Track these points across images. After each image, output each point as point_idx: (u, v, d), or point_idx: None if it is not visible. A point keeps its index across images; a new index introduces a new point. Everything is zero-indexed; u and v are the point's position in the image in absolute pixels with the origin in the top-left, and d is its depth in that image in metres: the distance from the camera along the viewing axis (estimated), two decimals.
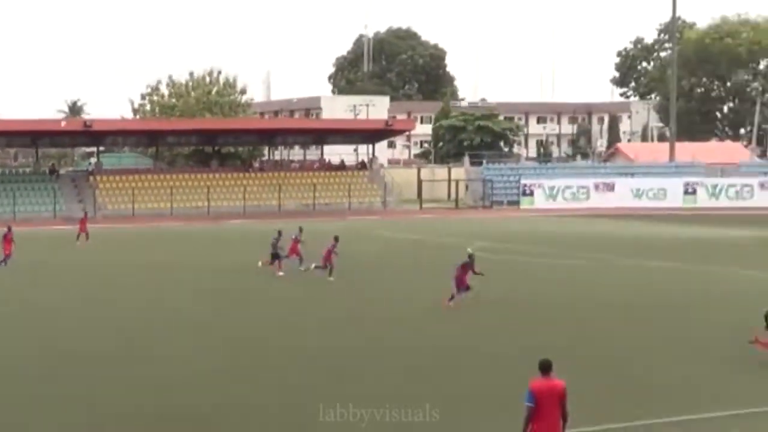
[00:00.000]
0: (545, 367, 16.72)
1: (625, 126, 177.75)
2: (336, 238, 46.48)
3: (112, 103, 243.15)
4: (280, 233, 48.38)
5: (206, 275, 48.09)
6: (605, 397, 24.01)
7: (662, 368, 27.71)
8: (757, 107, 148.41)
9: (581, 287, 43.32)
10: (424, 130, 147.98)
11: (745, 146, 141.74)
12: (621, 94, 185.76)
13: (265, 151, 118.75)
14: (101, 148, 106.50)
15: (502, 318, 35.37)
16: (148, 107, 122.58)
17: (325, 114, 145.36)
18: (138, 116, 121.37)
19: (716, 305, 38.90)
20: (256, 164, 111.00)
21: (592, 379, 25.66)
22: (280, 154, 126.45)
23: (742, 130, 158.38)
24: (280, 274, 46.86)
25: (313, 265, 46.34)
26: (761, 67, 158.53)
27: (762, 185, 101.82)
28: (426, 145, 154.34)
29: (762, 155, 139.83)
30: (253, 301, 40.18)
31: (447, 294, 36.79)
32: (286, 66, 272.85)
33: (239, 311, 37.54)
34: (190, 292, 42.57)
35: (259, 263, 48.27)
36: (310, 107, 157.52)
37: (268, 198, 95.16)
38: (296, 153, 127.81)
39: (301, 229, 50.35)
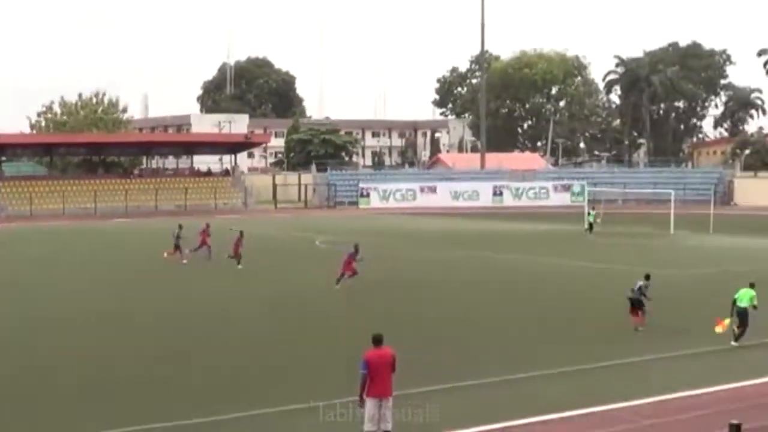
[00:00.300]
0: (377, 340, 17.15)
1: (444, 140, 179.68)
2: (241, 233, 46.27)
3: (10, 120, 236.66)
4: (180, 227, 48.01)
5: (104, 267, 47.37)
6: (431, 362, 24.53)
7: (479, 337, 28.47)
8: (551, 125, 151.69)
9: (411, 270, 43.98)
10: (278, 142, 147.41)
11: (542, 156, 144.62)
12: (441, 113, 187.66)
13: (144, 161, 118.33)
14: (3, 158, 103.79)
15: (367, 296, 35.85)
16: (43, 123, 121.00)
17: (194, 129, 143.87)
18: (35, 131, 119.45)
19: (520, 285, 40.01)
20: (136, 171, 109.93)
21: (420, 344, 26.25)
22: (156, 163, 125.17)
23: (539, 143, 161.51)
24: (184, 262, 46.29)
25: (227, 255, 45.80)
26: (553, 92, 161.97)
27: (555, 188, 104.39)
28: (280, 155, 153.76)
29: (555, 164, 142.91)
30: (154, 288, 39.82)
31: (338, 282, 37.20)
32: (161, 88, 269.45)
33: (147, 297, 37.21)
34: (89, 282, 41.98)
35: (165, 254, 47.60)
36: (182, 123, 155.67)
37: (147, 200, 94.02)
38: (170, 162, 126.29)
39: (208, 225, 49.65)
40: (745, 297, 26.82)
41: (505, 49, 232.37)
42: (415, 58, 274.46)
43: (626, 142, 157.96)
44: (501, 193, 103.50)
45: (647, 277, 29.63)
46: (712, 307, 30.08)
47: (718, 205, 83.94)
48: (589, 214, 66.78)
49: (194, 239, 48.37)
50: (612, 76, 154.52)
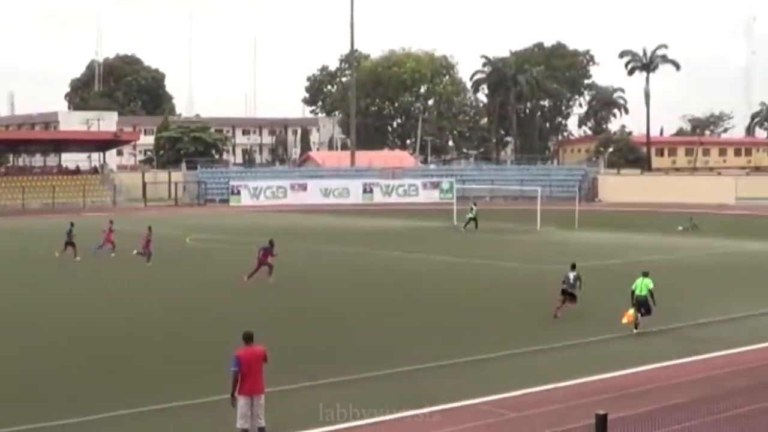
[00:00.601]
0: (247, 337, 17.22)
1: (314, 137, 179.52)
2: (150, 228, 46.15)
3: None
4: (72, 224, 47.74)
5: None
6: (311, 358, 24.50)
7: (360, 330, 28.55)
8: (419, 123, 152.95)
9: (285, 266, 43.85)
10: (147, 140, 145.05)
11: (411, 154, 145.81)
12: (311, 111, 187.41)
13: (10, 158, 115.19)
14: None
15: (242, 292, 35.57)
16: None
17: (62, 127, 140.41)
18: None
19: (394, 281, 40.24)
20: (2, 170, 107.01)
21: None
22: (23, 161, 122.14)
23: (408, 141, 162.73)
24: (78, 259, 45.87)
25: (135, 252, 45.90)
26: (422, 91, 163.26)
27: (425, 185, 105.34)
28: (149, 153, 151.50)
29: (424, 161, 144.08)
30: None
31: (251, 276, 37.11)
32: (28, 86, 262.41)
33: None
34: None
35: (56, 253, 47.05)
36: (49, 121, 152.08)
37: (14, 198, 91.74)
38: (37, 160, 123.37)
39: (111, 222, 49.35)
40: (642, 286, 28.24)
41: (374, 48, 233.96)
42: (285, 56, 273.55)
43: (494, 140, 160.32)
44: (371, 191, 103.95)
45: (574, 267, 30.73)
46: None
47: (583, 202, 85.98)
48: (471, 209, 67.57)
49: (98, 237, 48.15)
50: (479, 76, 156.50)
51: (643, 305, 28.01)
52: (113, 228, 48.42)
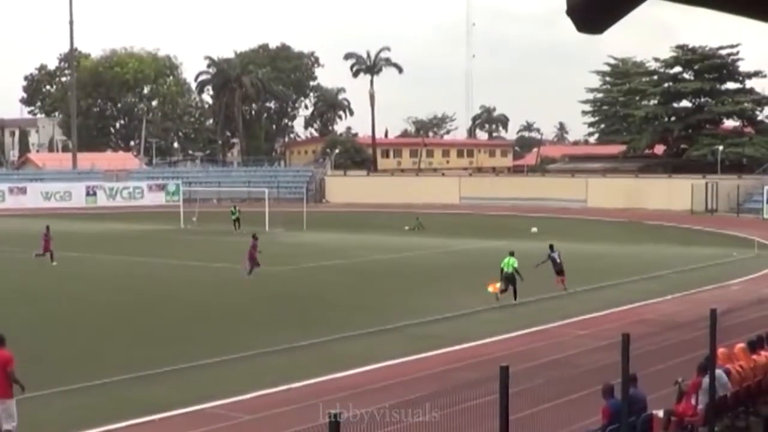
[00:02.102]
0: None
1: (34, 139, 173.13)
2: (47, 227, 46.37)
3: None
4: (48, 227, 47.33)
5: None
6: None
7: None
8: (143, 124, 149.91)
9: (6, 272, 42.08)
10: None
11: (135, 156, 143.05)
12: (29, 112, 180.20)
13: None
14: None
15: None
16: None
17: None
18: None
19: (119, 285, 39.32)
20: None
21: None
22: None
23: (132, 143, 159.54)
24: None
25: (34, 254, 45.36)
26: (145, 91, 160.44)
27: (150, 187, 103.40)
28: None
29: (149, 163, 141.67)
30: None
31: None
32: None
33: None
34: None
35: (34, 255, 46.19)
36: None
37: None
38: None
39: (48, 227, 47.96)
40: (508, 264, 33.77)
41: (95, 47, 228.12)
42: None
43: (220, 142, 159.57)
44: (95, 194, 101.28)
45: (552, 247, 36.88)
46: (301, 302, 31.06)
47: (311, 203, 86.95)
48: (232, 212, 67.15)
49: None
50: (204, 77, 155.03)
51: (510, 280, 33.53)
52: (50, 234, 46.96)
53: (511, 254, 34.16)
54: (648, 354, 17.35)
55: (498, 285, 33.58)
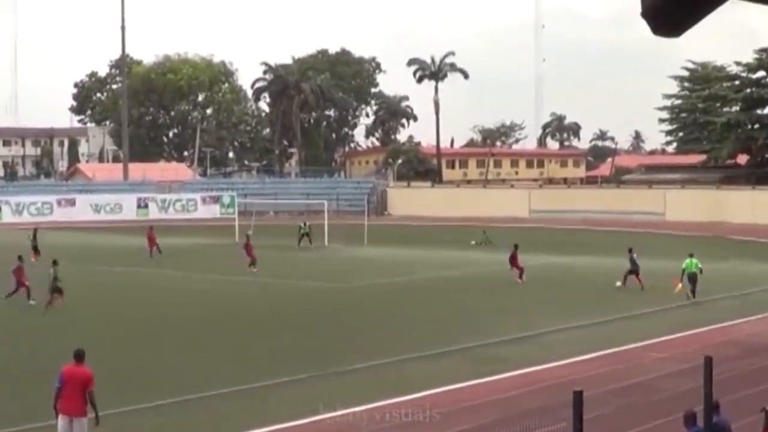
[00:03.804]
0: (77, 356, 17.58)
1: (83, 149, 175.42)
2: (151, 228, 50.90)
3: None
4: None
5: None
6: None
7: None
8: (197, 133, 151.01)
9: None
10: None
11: (189, 166, 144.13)
12: (79, 121, 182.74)
13: None
14: None
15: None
16: None
17: None
18: None
19: (180, 303, 39.54)
20: None
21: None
22: None
23: (186, 153, 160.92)
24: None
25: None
26: (199, 99, 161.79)
27: (204, 200, 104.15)
28: None
29: (203, 174, 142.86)
30: None
31: None
32: None
33: None
34: None
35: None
36: None
37: None
38: None
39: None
40: (690, 265, 38.90)
41: (147, 53, 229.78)
42: (49, 60, 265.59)
43: (277, 152, 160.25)
44: (146, 206, 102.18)
45: (630, 250, 42.74)
46: (358, 320, 30.98)
47: (372, 216, 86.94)
48: (301, 227, 67.39)
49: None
50: (261, 83, 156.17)
51: (693, 280, 38.53)
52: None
53: (691, 256, 39.35)
54: (733, 378, 17.08)
55: (680, 285, 38.93)
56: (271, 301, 40.10)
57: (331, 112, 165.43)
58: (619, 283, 42.51)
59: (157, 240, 59.09)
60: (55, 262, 38.09)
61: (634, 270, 42.33)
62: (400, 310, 36.70)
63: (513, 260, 46.61)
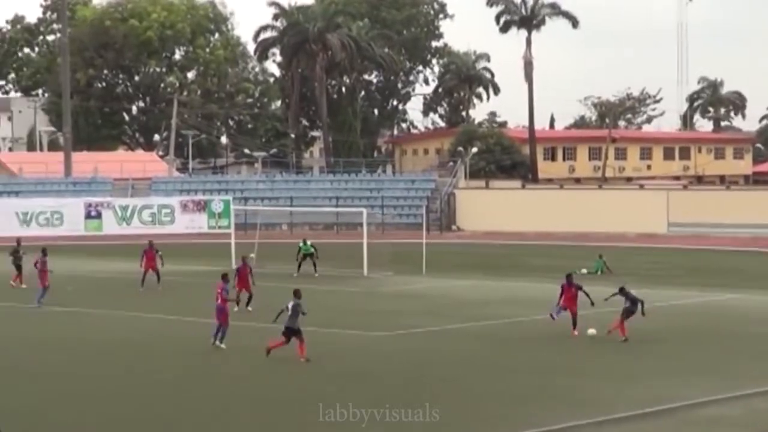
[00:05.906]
0: None
1: (4, 130, 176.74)
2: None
3: None
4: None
5: None
6: None
7: None
8: (174, 108, 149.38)
9: None
10: None
11: (161, 157, 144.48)
12: None
13: None
14: None
15: None
16: None
17: None
18: None
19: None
20: None
21: None
22: None
23: (156, 137, 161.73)
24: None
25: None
26: (177, 56, 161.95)
27: (185, 206, 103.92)
28: None
29: (182, 168, 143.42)
30: None
31: None
32: None
33: None
34: None
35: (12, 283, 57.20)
36: None
37: None
38: None
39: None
40: None
41: None
42: None
43: (292, 136, 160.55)
44: (98, 215, 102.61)
45: (621, 290, 45.12)
46: (420, 385, 31.29)
47: (434, 231, 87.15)
48: (300, 247, 67.00)
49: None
50: (268, 34, 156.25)
51: None
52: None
53: None
54: None
55: None
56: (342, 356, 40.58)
57: (373, 78, 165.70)
58: None
59: (159, 264, 60.80)
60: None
61: None
62: (476, 370, 36.92)
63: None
